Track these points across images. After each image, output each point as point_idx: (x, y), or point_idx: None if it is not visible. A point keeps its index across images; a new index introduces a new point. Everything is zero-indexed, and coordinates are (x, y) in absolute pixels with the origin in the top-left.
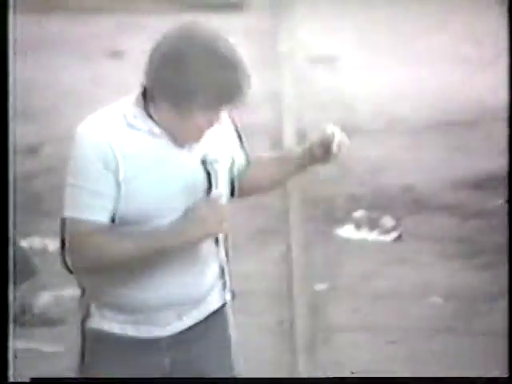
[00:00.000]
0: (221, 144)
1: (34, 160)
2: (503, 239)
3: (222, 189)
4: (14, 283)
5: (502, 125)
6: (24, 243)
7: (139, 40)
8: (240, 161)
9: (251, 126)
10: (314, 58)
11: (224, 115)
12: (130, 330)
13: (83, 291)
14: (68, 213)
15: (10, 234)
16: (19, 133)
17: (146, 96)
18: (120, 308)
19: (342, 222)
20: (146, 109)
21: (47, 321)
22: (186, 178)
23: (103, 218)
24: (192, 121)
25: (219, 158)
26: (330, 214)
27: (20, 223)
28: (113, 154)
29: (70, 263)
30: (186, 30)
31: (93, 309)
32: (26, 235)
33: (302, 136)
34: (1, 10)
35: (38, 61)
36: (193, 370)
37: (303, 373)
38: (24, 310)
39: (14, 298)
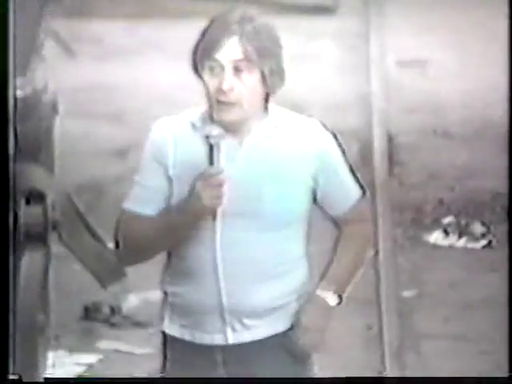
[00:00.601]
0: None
1: (122, 162)
2: None
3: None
4: (103, 285)
5: None
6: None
7: None
8: (338, 193)
9: (341, 129)
10: (404, 62)
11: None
12: (187, 335)
13: (165, 294)
14: (123, 203)
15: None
16: (108, 136)
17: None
18: (178, 309)
19: (430, 228)
20: (210, 112)
21: (136, 323)
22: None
23: (147, 209)
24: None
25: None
26: (418, 220)
27: (110, 227)
28: (166, 152)
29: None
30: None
31: (165, 312)
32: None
33: (390, 140)
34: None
35: (129, 65)
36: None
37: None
38: (113, 311)
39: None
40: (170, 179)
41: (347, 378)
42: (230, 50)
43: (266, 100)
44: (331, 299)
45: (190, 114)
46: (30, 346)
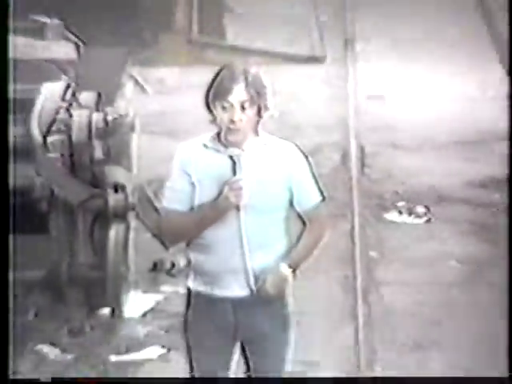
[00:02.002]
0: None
1: None
2: (501, 221)
3: (246, 178)
4: (166, 247)
5: (499, 143)
6: None
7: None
8: (302, 192)
9: (327, 144)
10: (371, 96)
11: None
12: (205, 289)
13: (189, 261)
14: (161, 203)
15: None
16: (167, 146)
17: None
18: (197, 271)
19: (388, 209)
20: (219, 136)
21: (187, 274)
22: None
23: (178, 206)
24: (217, 114)
25: (245, 155)
26: (380, 204)
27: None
28: (189, 165)
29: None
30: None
31: (190, 273)
32: None
33: (362, 150)
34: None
35: (181, 98)
36: (252, 332)
37: (361, 314)
38: (173, 265)
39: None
40: (193, 185)
41: (348, 378)
42: (239, 94)
43: (257, 125)
44: (286, 271)
45: (201, 138)
46: (117, 289)
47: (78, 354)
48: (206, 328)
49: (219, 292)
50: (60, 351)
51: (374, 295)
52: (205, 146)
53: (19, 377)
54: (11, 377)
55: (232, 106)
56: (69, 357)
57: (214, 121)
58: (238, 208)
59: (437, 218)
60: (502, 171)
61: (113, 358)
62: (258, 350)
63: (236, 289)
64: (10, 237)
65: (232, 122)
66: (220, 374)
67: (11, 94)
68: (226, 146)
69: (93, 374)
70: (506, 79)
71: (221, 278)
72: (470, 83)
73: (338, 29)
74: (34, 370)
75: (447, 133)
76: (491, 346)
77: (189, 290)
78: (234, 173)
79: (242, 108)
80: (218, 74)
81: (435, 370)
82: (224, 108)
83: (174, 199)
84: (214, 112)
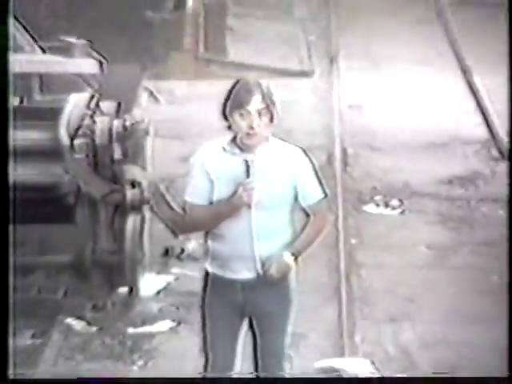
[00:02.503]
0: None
1: (185, 164)
2: (464, 212)
3: (257, 180)
4: (175, 235)
5: (462, 146)
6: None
7: None
8: (307, 190)
9: (314, 147)
10: (352, 106)
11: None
12: (221, 272)
13: (205, 244)
14: (185, 196)
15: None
16: (177, 148)
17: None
18: (213, 256)
19: (367, 202)
20: (235, 140)
21: (194, 258)
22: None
23: (198, 200)
24: (235, 122)
25: (256, 160)
26: (360, 198)
27: (178, 202)
28: (209, 165)
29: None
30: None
31: (208, 256)
32: None
33: (345, 152)
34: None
35: (189, 106)
36: (258, 309)
37: (344, 293)
38: (182, 251)
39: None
40: (212, 181)
41: (348, 378)
42: (256, 103)
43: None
44: (289, 258)
45: (221, 142)
46: (134, 271)
47: (101, 327)
48: (219, 304)
49: (230, 274)
50: (85, 324)
51: (355, 276)
52: (223, 149)
53: (50, 345)
54: (11, 377)
55: (250, 113)
56: (93, 329)
57: (229, 127)
58: (249, 206)
59: (409, 209)
60: (464, 170)
61: (130, 330)
62: (263, 324)
63: (245, 272)
64: (43, 226)
65: (251, 127)
66: (229, 346)
67: (38, 104)
68: (241, 150)
69: (114, 344)
70: (467, 89)
71: (232, 263)
72: (438, 94)
73: (324, 47)
74: (63, 340)
75: (418, 137)
76: (455, 317)
77: (206, 272)
78: (248, 174)
79: (259, 115)
80: (233, 87)
81: (407, 340)
82: (242, 115)
83: (195, 194)
84: (231, 120)
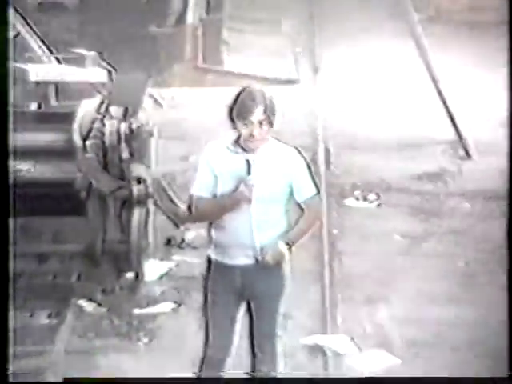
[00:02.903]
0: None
1: (184, 162)
2: (433, 205)
3: (256, 177)
4: (176, 226)
5: (434, 146)
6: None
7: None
8: (301, 186)
9: (300, 147)
10: (333, 110)
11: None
12: (221, 258)
13: (209, 233)
14: (191, 190)
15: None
16: (178, 148)
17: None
18: (218, 243)
19: (347, 197)
20: (238, 140)
21: (193, 247)
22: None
23: (203, 193)
24: (239, 128)
25: (256, 159)
26: (341, 193)
27: (179, 196)
28: (214, 162)
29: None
30: (246, 88)
31: (211, 246)
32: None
33: (327, 151)
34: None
35: (188, 110)
36: (255, 291)
37: (327, 277)
38: (182, 240)
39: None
40: (216, 177)
41: (348, 378)
42: (258, 115)
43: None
44: (283, 247)
45: (225, 141)
46: (139, 258)
47: (109, 308)
48: (221, 288)
49: (231, 261)
50: (96, 305)
51: (337, 262)
52: (227, 148)
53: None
54: (11, 380)
55: (252, 123)
56: (102, 310)
57: (235, 128)
58: (249, 200)
59: (385, 203)
60: (433, 168)
61: (136, 311)
62: (259, 306)
63: (244, 259)
64: (57, 218)
65: (251, 136)
66: (228, 326)
67: (54, 109)
68: (244, 150)
69: (121, 323)
70: (436, 97)
71: (232, 250)
72: (410, 102)
73: (308, 58)
74: (76, 320)
75: (392, 138)
76: (425, 298)
77: (209, 258)
78: (249, 172)
79: (260, 125)
80: (239, 94)
81: (382, 319)
82: (245, 124)
83: (201, 188)
84: (235, 124)
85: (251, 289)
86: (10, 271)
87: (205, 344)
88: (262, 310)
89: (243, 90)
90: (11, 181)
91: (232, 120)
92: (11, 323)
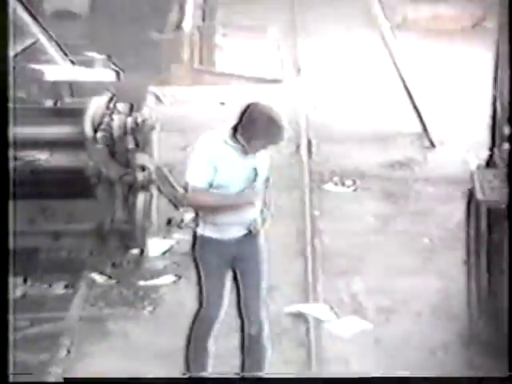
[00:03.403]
0: (264, 162)
1: (184, 152)
2: (402, 189)
3: (259, 182)
4: (176, 208)
5: (402, 137)
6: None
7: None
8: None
9: (286, 139)
10: (314, 106)
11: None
12: (216, 235)
13: (196, 215)
14: (188, 179)
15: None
16: (177, 140)
17: (235, 129)
18: (211, 223)
19: (327, 182)
20: (234, 135)
21: (191, 227)
22: (245, 173)
23: (201, 184)
24: (255, 145)
25: (261, 168)
26: (321, 179)
27: (178, 182)
28: (213, 155)
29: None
30: (259, 106)
31: (200, 223)
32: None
33: (309, 143)
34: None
35: (187, 107)
36: (246, 256)
37: (309, 253)
38: (182, 221)
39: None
40: (215, 168)
41: (349, 378)
42: (280, 144)
43: None
44: (264, 216)
45: (220, 134)
46: (144, 236)
47: (118, 280)
48: (214, 259)
49: (225, 236)
50: (106, 278)
51: (317, 240)
52: (225, 142)
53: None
54: (11, 379)
55: (272, 147)
56: (112, 282)
57: (242, 136)
58: (254, 204)
59: (360, 187)
60: (402, 157)
61: (141, 282)
62: (247, 267)
63: (238, 232)
64: (71, 201)
65: (257, 151)
66: (220, 290)
67: (68, 105)
68: (244, 150)
69: (128, 294)
70: (405, 94)
71: (229, 227)
72: (382, 99)
73: (292, 61)
74: (88, 290)
75: (366, 131)
76: (394, 271)
77: (194, 234)
78: (255, 179)
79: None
80: (259, 115)
81: (356, 289)
82: (264, 146)
83: (199, 178)
84: (245, 139)
85: (242, 254)
86: (29, 248)
87: (199, 307)
88: (249, 271)
89: (264, 114)
90: (30, 168)
91: (235, 130)
92: (31, 292)
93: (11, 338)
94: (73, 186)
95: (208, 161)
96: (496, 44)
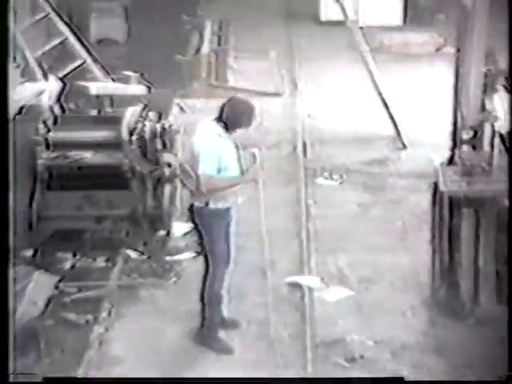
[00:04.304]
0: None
1: None
2: (379, 182)
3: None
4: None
5: (379, 140)
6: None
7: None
8: None
9: (284, 141)
10: (309, 115)
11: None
12: (221, 205)
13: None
14: (200, 171)
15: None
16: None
17: (224, 122)
18: (220, 199)
19: (318, 176)
20: (225, 127)
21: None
22: (238, 156)
23: (213, 172)
24: (237, 131)
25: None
26: (314, 174)
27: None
28: (215, 148)
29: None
30: (240, 100)
31: (210, 200)
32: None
33: (304, 144)
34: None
35: (201, 116)
36: (231, 219)
37: (304, 234)
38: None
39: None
40: (219, 158)
41: (347, 378)
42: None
43: None
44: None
45: (213, 129)
46: (169, 220)
47: (148, 256)
48: (222, 224)
49: (228, 204)
50: (139, 254)
51: (311, 224)
52: (219, 135)
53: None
54: (12, 379)
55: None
56: (143, 257)
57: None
58: (257, 181)
59: (345, 181)
60: (379, 155)
61: (167, 258)
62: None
63: (234, 200)
64: (111, 192)
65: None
66: (227, 249)
67: (108, 114)
68: (234, 140)
69: (157, 267)
70: (381, 104)
71: (230, 197)
72: (362, 107)
73: (290, 77)
74: (125, 264)
75: (350, 134)
76: (373, 249)
77: (208, 207)
78: (255, 160)
79: None
80: (236, 106)
81: (342, 264)
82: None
83: (210, 169)
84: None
85: (231, 218)
86: (77, 229)
87: (207, 269)
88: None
89: (236, 101)
90: (78, 165)
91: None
92: (78, 264)
93: (62, 300)
94: (112, 179)
95: (213, 154)
96: (455, 65)
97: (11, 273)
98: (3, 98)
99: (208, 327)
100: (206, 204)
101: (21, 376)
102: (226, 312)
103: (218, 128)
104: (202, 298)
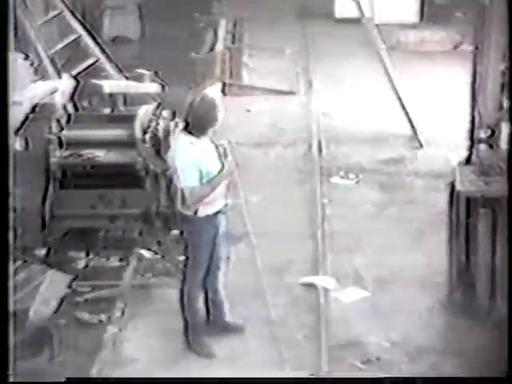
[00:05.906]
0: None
1: None
2: (395, 182)
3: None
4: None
5: (396, 139)
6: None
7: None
8: None
9: (300, 140)
10: (324, 113)
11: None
12: (210, 211)
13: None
14: (183, 185)
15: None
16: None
17: (191, 129)
18: (208, 205)
19: (333, 175)
20: (196, 134)
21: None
22: (214, 155)
23: (196, 183)
24: (207, 132)
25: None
26: (329, 173)
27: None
28: (191, 159)
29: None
30: (196, 103)
31: (199, 208)
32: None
33: (320, 143)
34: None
35: None
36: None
37: (319, 234)
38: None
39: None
40: (198, 166)
41: (348, 378)
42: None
43: None
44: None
45: (184, 139)
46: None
47: (162, 255)
48: (211, 231)
49: (216, 209)
50: (152, 253)
51: (326, 223)
52: (191, 143)
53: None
54: (11, 379)
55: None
56: (157, 256)
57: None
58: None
59: (361, 180)
60: (396, 155)
61: (180, 257)
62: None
63: (221, 204)
64: (124, 190)
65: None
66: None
67: (122, 112)
68: (206, 142)
69: (170, 266)
70: (398, 103)
71: (218, 201)
72: (380, 106)
73: (305, 75)
74: (138, 263)
75: (367, 133)
76: (388, 249)
77: (196, 214)
78: (225, 154)
79: None
80: (201, 103)
81: (357, 264)
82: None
83: (192, 180)
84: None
85: (221, 225)
86: (91, 228)
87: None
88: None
89: (195, 104)
90: (91, 163)
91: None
92: (92, 264)
93: (75, 300)
94: (125, 177)
95: (190, 166)
96: (472, 63)
97: (12, 273)
98: (3, 98)
99: (192, 331)
100: (195, 213)
101: (26, 376)
102: (229, 317)
103: (189, 137)
104: (181, 304)
